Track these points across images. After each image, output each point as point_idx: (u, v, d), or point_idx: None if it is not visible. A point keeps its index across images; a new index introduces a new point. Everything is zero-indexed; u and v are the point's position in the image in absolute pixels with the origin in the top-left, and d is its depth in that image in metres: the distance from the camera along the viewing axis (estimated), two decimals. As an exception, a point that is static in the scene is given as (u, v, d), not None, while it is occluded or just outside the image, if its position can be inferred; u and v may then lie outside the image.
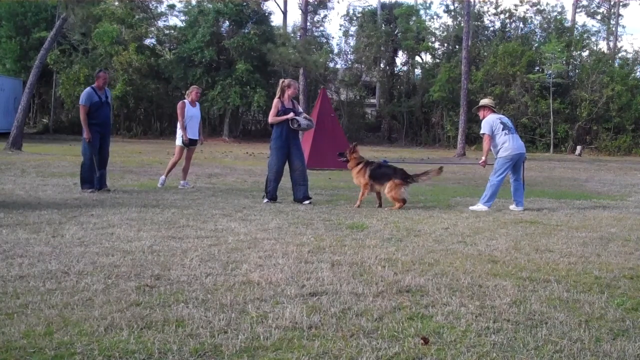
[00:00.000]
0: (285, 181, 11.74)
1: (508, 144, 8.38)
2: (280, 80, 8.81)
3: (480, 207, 8.25)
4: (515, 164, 8.52)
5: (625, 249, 5.63)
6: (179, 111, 9.90)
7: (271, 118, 8.59)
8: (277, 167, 8.42)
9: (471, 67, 28.77)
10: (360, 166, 8.43)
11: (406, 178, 8.30)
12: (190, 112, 9.91)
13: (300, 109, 8.85)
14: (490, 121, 8.50)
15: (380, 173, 8.35)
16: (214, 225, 6.24)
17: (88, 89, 9.21)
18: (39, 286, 3.82)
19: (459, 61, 32.00)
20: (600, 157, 27.69)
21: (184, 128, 9.83)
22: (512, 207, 8.43)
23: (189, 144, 9.98)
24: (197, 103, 10.16)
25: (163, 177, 10.05)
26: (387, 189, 8.20)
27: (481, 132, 8.64)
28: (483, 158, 8.70)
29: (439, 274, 4.43)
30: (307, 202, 8.31)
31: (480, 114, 8.79)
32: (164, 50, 34.48)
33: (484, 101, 9.01)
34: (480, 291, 4.00)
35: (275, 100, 8.61)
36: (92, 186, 8.92)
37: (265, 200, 8.37)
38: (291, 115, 8.44)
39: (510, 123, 8.62)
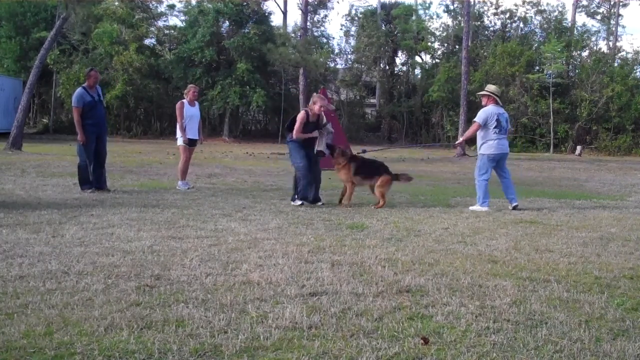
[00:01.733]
0: (287, 181, 11.73)
1: (493, 142, 8.32)
2: (314, 95, 8.77)
3: (478, 208, 8.25)
4: (498, 163, 8.50)
5: (625, 249, 5.64)
6: (177, 111, 9.79)
7: (296, 134, 8.12)
8: (304, 164, 8.08)
9: (470, 67, 28.76)
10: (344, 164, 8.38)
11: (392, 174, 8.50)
12: (189, 112, 9.81)
13: (329, 125, 8.51)
14: (488, 112, 8.36)
15: (366, 169, 8.42)
16: (214, 225, 6.24)
17: (79, 89, 9.07)
18: (39, 286, 3.82)
19: (458, 61, 32.02)
20: (600, 157, 27.70)
21: (182, 128, 9.76)
22: (509, 207, 8.36)
23: (189, 144, 9.91)
24: (196, 102, 10.05)
25: (180, 182, 9.85)
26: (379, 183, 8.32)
27: (475, 119, 8.52)
28: (460, 139, 8.75)
29: (439, 274, 4.43)
30: (319, 203, 8.24)
31: (484, 100, 8.57)
32: (164, 50, 34.50)
33: (491, 88, 8.72)
34: (480, 291, 4.00)
35: (302, 114, 8.24)
36: (92, 186, 8.91)
37: (298, 202, 8.04)
38: (315, 133, 8.25)
39: (505, 123, 8.46)
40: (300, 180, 8.09)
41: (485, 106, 8.50)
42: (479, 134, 8.43)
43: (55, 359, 2.75)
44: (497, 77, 32.25)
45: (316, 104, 8.25)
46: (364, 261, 4.76)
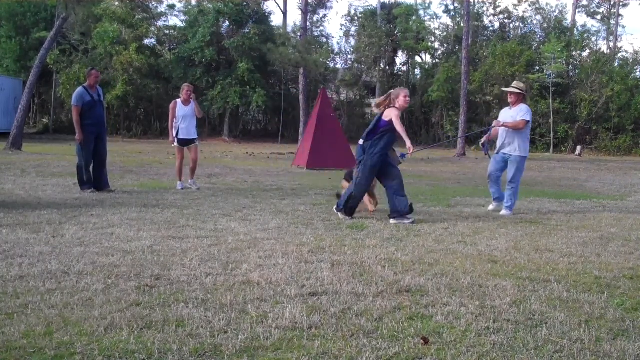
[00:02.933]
0: (286, 181, 11.72)
1: (529, 143, 8.09)
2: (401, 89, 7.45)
3: (508, 213, 7.79)
4: None
5: (625, 249, 5.63)
6: (170, 111, 9.68)
7: (405, 132, 7.16)
8: (367, 187, 7.21)
9: (470, 67, 28.77)
10: None
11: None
12: (182, 112, 9.63)
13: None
14: (531, 111, 8.02)
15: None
16: (214, 225, 6.24)
17: (79, 88, 9.09)
18: (39, 286, 3.82)
19: (458, 61, 32.02)
20: (600, 157, 27.69)
21: (172, 128, 9.63)
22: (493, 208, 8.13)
23: (185, 144, 9.74)
24: (191, 101, 9.79)
25: (179, 182, 9.77)
26: None
27: (525, 118, 7.86)
28: (503, 123, 7.97)
29: (439, 274, 4.43)
30: (409, 220, 6.85)
31: (513, 98, 8.05)
32: (164, 50, 34.52)
33: (521, 86, 8.27)
34: (480, 291, 4.00)
35: (397, 111, 7.18)
36: (92, 186, 8.91)
37: (410, 220, 6.87)
38: (408, 146, 7.10)
39: None
40: (356, 199, 7.08)
41: (515, 104, 8.05)
42: (522, 135, 7.90)
43: (55, 359, 2.75)
44: (497, 77, 32.26)
45: (402, 97, 7.21)
46: (364, 261, 4.75)
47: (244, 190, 9.94)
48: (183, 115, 9.68)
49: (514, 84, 8.38)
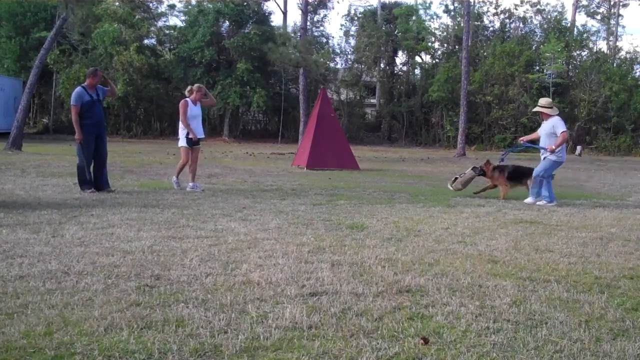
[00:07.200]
0: (285, 181, 11.71)
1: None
2: None
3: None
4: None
5: (625, 249, 5.63)
6: (181, 110, 9.41)
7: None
8: None
9: (470, 67, 28.78)
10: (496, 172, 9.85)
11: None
12: (193, 112, 9.50)
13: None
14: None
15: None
16: (214, 225, 6.24)
17: (78, 88, 9.06)
18: (39, 286, 3.82)
19: (458, 61, 32.03)
20: (600, 157, 27.70)
21: (189, 127, 9.41)
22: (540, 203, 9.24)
23: (194, 144, 9.57)
24: (197, 101, 9.67)
25: (174, 177, 9.65)
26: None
27: (564, 129, 9.65)
28: (553, 147, 9.46)
29: (439, 274, 4.43)
30: None
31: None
32: (164, 50, 34.52)
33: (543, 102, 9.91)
34: (480, 291, 4.00)
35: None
36: (92, 186, 8.91)
37: None
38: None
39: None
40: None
41: (548, 119, 9.72)
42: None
43: (55, 359, 2.75)
44: (496, 77, 32.28)
45: None
46: (364, 261, 4.75)
47: (244, 190, 9.93)
48: (195, 115, 9.56)
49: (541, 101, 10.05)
